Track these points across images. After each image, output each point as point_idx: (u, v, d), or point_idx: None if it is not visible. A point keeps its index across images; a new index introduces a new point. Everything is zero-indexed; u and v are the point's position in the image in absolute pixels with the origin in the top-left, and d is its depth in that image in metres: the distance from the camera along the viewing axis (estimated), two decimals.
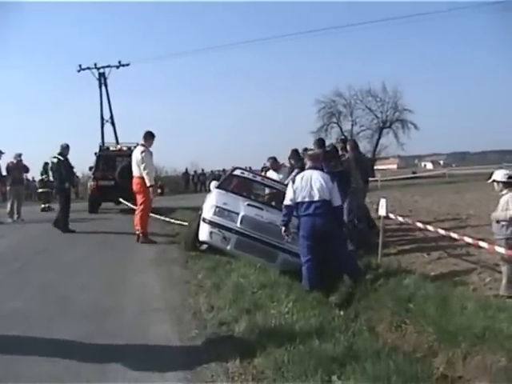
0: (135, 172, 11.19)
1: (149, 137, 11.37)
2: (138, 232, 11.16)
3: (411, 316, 5.79)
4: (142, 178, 11.00)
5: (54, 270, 8.12)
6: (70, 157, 13.96)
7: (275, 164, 12.70)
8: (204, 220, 8.82)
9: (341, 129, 52.11)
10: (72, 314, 5.49)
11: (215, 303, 5.60)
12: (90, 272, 8.01)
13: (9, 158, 17.43)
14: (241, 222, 8.62)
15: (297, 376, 3.37)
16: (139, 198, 11.26)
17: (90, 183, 20.42)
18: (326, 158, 8.66)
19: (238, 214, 8.74)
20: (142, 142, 11.31)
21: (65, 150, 13.89)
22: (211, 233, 8.66)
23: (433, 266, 8.41)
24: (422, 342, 5.30)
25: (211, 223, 8.70)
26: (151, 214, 11.79)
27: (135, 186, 11.21)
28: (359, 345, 4.19)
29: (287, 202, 7.46)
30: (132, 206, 17.45)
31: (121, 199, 18.83)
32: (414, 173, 55.15)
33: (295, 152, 11.82)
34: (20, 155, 17.26)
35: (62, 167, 13.60)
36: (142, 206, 11.15)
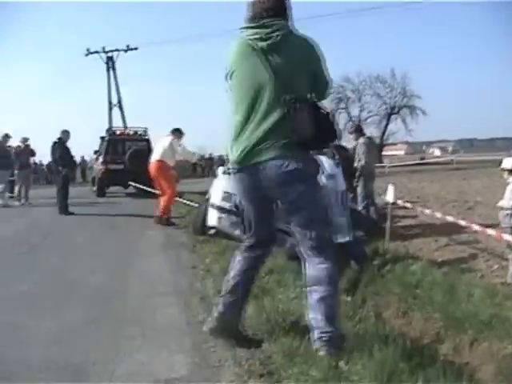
0: (156, 156, 11.45)
1: (178, 133, 11.87)
2: (159, 213, 11.52)
3: (418, 302, 5.78)
4: (162, 162, 11.33)
5: (62, 254, 8.19)
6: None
7: None
8: (212, 205, 8.84)
9: (349, 114, 51.92)
10: (79, 298, 5.51)
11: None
12: (98, 256, 8.04)
13: (16, 142, 17.56)
14: None
15: (304, 361, 3.38)
16: (164, 185, 11.52)
17: (99, 167, 20.52)
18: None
19: None
20: (170, 135, 11.71)
21: (64, 134, 14.06)
22: (220, 218, 8.68)
23: (440, 252, 8.40)
24: (428, 329, 5.30)
25: (219, 208, 8.72)
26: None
27: (155, 170, 11.42)
28: (366, 330, 4.20)
29: None
30: (143, 187, 17.71)
31: (130, 182, 19.06)
32: (422, 159, 55.00)
33: None
34: (27, 139, 17.35)
35: (58, 151, 13.77)
36: (169, 191, 11.49)
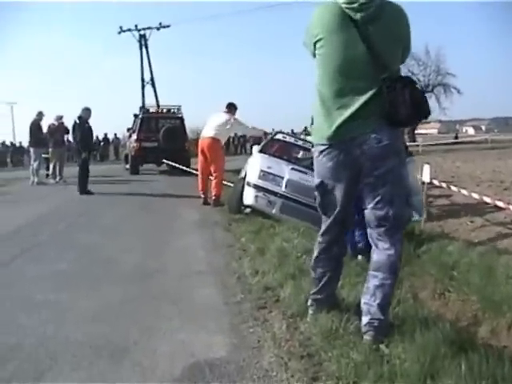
0: (210, 132, 11.30)
1: (232, 108, 11.65)
2: (213, 197, 11.39)
3: (455, 284, 5.72)
4: (216, 140, 11.24)
5: (97, 232, 8.26)
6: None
7: None
8: (249, 184, 8.94)
9: None
10: (117, 277, 5.56)
11: (259, 267, 5.60)
12: (133, 234, 8.14)
13: (50, 120, 17.76)
14: (286, 186, 8.82)
15: (344, 344, 3.37)
16: (214, 164, 11.39)
17: (133, 145, 20.76)
18: None
19: (282, 178, 8.93)
20: (226, 111, 11.55)
21: (84, 112, 14.08)
22: (256, 197, 8.81)
23: (476, 233, 8.29)
24: (465, 311, 5.24)
25: (256, 187, 8.83)
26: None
27: (207, 147, 11.28)
28: (406, 312, 4.16)
29: None
30: (177, 165, 17.85)
31: (164, 160, 19.27)
32: (455, 137, 54.20)
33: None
34: (61, 117, 17.52)
35: (79, 132, 13.81)
36: (217, 173, 11.35)
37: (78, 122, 13.96)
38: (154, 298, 4.80)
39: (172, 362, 3.38)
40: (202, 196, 11.71)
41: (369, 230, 3.66)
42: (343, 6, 3.49)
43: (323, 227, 3.90)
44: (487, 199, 7.53)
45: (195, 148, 21.20)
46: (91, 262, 6.25)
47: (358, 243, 6.32)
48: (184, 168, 17.93)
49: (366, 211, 3.63)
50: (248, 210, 9.30)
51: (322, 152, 3.66)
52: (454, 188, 8.78)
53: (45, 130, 17.31)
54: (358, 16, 3.44)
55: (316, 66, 3.70)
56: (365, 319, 3.53)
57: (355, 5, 3.44)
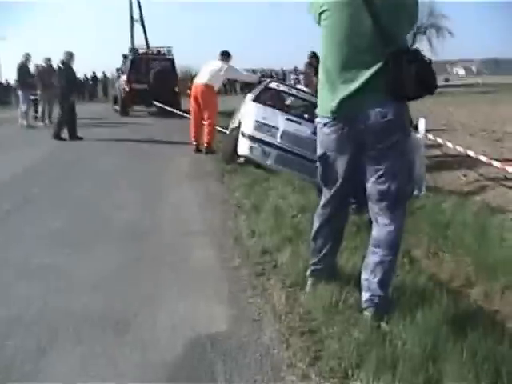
0: (204, 79, 11.26)
1: (226, 56, 11.57)
2: (205, 144, 11.41)
3: (449, 244, 5.77)
4: (210, 87, 11.16)
5: (90, 184, 8.25)
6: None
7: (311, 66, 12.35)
8: (243, 134, 8.94)
9: None
10: (113, 237, 5.55)
11: (256, 228, 5.57)
12: (126, 186, 8.13)
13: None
14: (281, 137, 8.79)
15: (345, 319, 3.38)
16: (207, 111, 11.31)
17: (123, 86, 20.58)
18: None
19: (277, 128, 8.90)
20: (220, 59, 11.49)
21: (67, 57, 13.83)
22: (251, 147, 8.83)
23: (469, 188, 8.35)
24: (459, 272, 5.30)
25: (251, 138, 8.82)
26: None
27: (201, 94, 11.22)
28: (403, 281, 4.16)
29: None
30: (167, 107, 17.81)
31: (154, 102, 19.25)
32: (446, 80, 53.87)
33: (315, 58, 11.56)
34: (49, 59, 17.17)
35: (64, 77, 13.62)
36: (209, 121, 11.28)
37: (61, 67, 13.80)
38: (151, 261, 4.80)
39: (173, 337, 3.38)
40: (195, 143, 11.67)
41: (370, 204, 3.63)
42: None
43: (324, 199, 3.87)
44: (483, 159, 7.49)
45: (185, 89, 21.19)
46: (86, 219, 6.21)
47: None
48: (174, 110, 17.85)
49: (367, 185, 3.60)
50: (242, 159, 9.26)
51: (325, 124, 3.60)
52: (449, 145, 8.63)
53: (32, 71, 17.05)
54: None
55: (321, 36, 3.61)
56: (365, 295, 3.54)
57: None
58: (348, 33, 3.41)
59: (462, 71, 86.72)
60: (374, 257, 3.53)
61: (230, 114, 13.25)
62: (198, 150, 11.58)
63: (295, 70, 30.61)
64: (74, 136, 13.48)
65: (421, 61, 3.39)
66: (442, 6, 52.01)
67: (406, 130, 3.56)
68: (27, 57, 16.86)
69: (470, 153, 7.65)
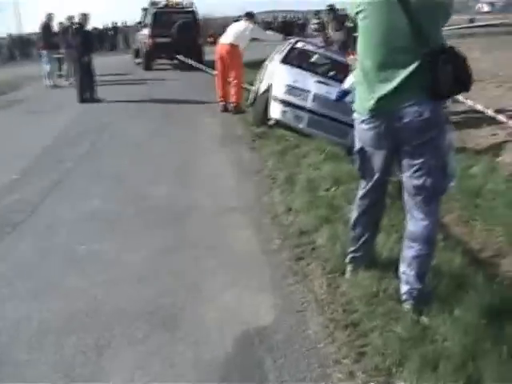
0: (229, 39, 11.37)
1: (251, 16, 11.96)
2: (232, 104, 11.55)
3: (479, 212, 5.81)
4: (235, 46, 11.25)
5: (122, 156, 8.33)
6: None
7: (335, 22, 12.32)
8: (275, 98, 9.01)
9: None
10: (151, 218, 5.64)
11: (291, 204, 5.66)
12: (159, 156, 8.21)
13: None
14: (313, 100, 8.85)
15: (386, 312, 3.48)
16: (233, 71, 11.39)
17: (146, 40, 20.59)
18: None
19: (309, 91, 8.97)
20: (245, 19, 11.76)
21: (82, 18, 14.01)
22: (284, 111, 8.93)
23: (500, 150, 8.22)
24: (490, 242, 5.36)
25: (283, 102, 8.90)
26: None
27: (226, 54, 11.32)
28: (439, 259, 4.18)
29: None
30: (190, 61, 17.91)
31: (177, 56, 19.35)
32: (471, 21, 51.91)
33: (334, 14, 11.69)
34: (72, 17, 17.03)
35: (79, 38, 13.70)
36: (236, 81, 11.38)
37: (77, 27, 13.91)
38: (192, 247, 4.89)
39: (222, 332, 3.53)
40: (222, 103, 11.74)
41: (405, 198, 3.70)
42: None
43: (362, 191, 3.95)
44: (490, 112, 7.29)
45: (206, 38, 21.12)
46: (123, 198, 6.27)
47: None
48: (197, 65, 17.95)
49: (403, 179, 3.66)
50: (272, 121, 9.33)
51: (363, 121, 3.66)
52: (480, 108, 8.41)
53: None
54: None
55: (359, 34, 3.63)
56: (404, 287, 3.64)
57: None
58: (384, 33, 3.43)
59: (486, 7, 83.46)
60: (410, 251, 3.62)
61: (254, 66, 13.26)
62: (225, 109, 11.67)
63: (316, 14, 30.02)
64: (92, 98, 13.58)
65: (456, 60, 3.40)
66: None
67: (442, 126, 3.58)
68: (50, 16, 16.82)
69: (490, 112, 7.55)
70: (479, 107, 7.76)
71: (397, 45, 3.41)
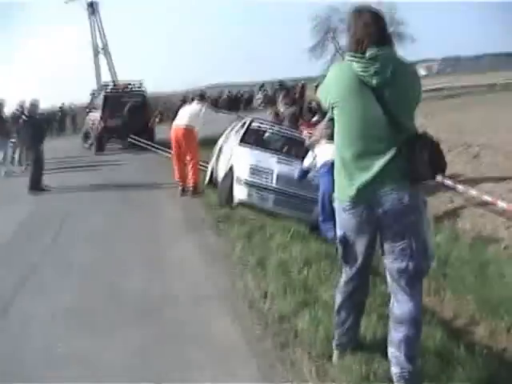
0: (184, 121, 11.60)
1: (203, 98, 12.68)
2: (190, 186, 11.66)
3: (449, 282, 5.96)
4: (190, 129, 11.51)
5: (88, 246, 8.13)
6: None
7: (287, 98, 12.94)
8: (239, 180, 9.17)
9: (336, 45, 51.16)
10: (127, 314, 5.51)
11: (266, 288, 5.70)
12: (124, 247, 8.05)
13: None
14: (276, 180, 9.16)
15: None
16: (188, 153, 11.60)
17: (97, 124, 20.95)
18: None
19: (271, 171, 9.27)
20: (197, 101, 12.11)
21: (33, 107, 13.90)
22: (249, 193, 9.09)
23: (459, 215, 8.50)
24: (462, 310, 5.48)
25: (248, 183, 9.07)
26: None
27: (182, 136, 11.52)
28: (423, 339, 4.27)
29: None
30: (142, 143, 18.71)
31: (130, 139, 19.77)
32: None
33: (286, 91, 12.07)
34: (23, 103, 17.00)
35: (30, 130, 13.55)
36: (193, 161, 11.57)
37: (26, 118, 13.79)
38: (173, 340, 4.82)
39: None
40: (180, 185, 11.85)
41: (389, 281, 3.82)
42: (358, 72, 3.57)
43: (345, 276, 4.04)
44: (473, 192, 7.63)
45: (156, 119, 21.54)
46: (95, 292, 6.12)
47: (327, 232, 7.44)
48: (149, 146, 18.61)
49: (386, 264, 3.79)
50: (237, 202, 9.48)
51: (344, 209, 3.79)
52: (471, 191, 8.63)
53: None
54: (373, 82, 3.53)
55: (336, 126, 3.82)
56: (395, 369, 3.68)
57: (370, 71, 3.52)
58: (360, 124, 3.62)
59: (423, 71, 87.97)
60: (398, 334, 3.69)
61: (207, 143, 13.59)
62: (183, 191, 11.77)
63: (260, 88, 30.91)
64: (37, 187, 13.18)
65: (432, 145, 3.62)
66: (401, 11, 52.33)
67: (421, 210, 3.75)
68: (1, 102, 16.88)
69: (472, 192, 7.92)
70: (460, 187, 8.11)
71: (374, 134, 3.59)
